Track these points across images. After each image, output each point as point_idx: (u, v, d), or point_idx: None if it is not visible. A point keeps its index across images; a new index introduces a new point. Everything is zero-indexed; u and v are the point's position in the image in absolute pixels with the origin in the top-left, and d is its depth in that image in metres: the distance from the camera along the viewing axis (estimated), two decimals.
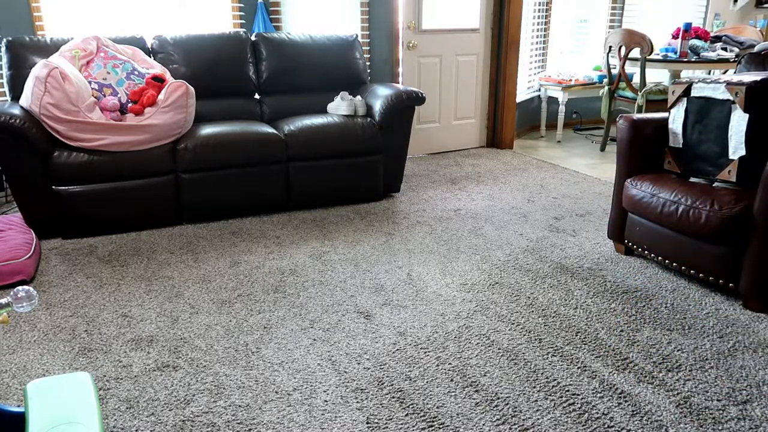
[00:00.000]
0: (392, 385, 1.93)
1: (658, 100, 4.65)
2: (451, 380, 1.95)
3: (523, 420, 1.76)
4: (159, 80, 3.41)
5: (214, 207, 3.44)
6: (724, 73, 5.11)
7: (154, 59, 3.72)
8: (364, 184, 3.77)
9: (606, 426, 1.74)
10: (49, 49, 3.45)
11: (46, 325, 2.30)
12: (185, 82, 3.35)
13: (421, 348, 2.14)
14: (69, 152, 3.09)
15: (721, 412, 1.79)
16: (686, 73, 5.40)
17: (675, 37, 5.17)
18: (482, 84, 5.24)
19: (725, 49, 5.21)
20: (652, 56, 4.92)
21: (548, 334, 2.23)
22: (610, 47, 5.06)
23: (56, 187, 3.09)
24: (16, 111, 2.99)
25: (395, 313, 2.39)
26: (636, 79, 5.03)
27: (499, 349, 2.13)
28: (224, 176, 3.40)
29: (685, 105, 2.66)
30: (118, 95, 3.35)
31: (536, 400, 1.85)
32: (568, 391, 1.90)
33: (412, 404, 1.84)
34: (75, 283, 2.67)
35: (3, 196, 3.78)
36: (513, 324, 2.30)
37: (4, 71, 3.43)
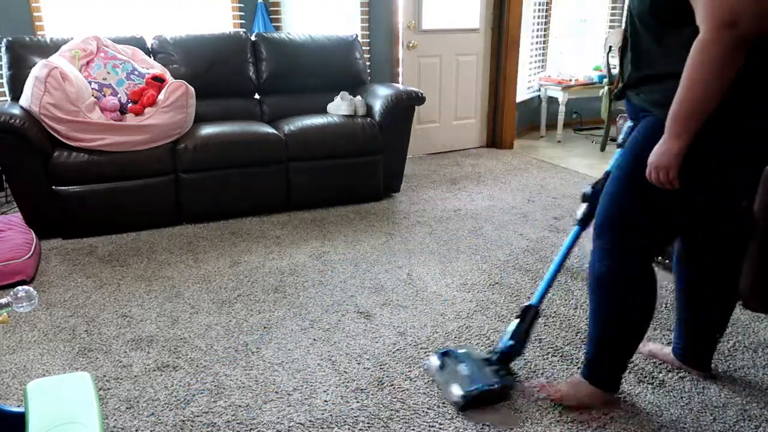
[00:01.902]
0: (392, 385, 1.93)
1: None
2: None
3: (523, 420, 1.76)
4: (159, 80, 3.41)
5: (214, 207, 3.44)
6: None
7: (154, 59, 3.72)
8: (364, 184, 3.77)
9: (606, 426, 1.74)
10: (49, 49, 3.45)
11: (46, 325, 2.30)
12: (185, 82, 3.35)
13: (421, 348, 2.14)
14: (69, 152, 3.09)
15: (720, 411, 1.80)
16: None
17: None
18: (482, 84, 5.23)
19: None
20: None
21: (548, 334, 2.23)
22: (610, 47, 5.06)
23: (56, 187, 3.09)
24: (16, 111, 2.99)
25: (395, 313, 2.39)
26: None
27: None
28: (224, 176, 3.40)
29: None
30: (118, 95, 3.35)
31: (536, 400, 1.85)
32: None
33: (412, 404, 1.84)
34: (75, 283, 2.67)
35: (3, 196, 3.78)
36: None
37: (4, 71, 3.43)
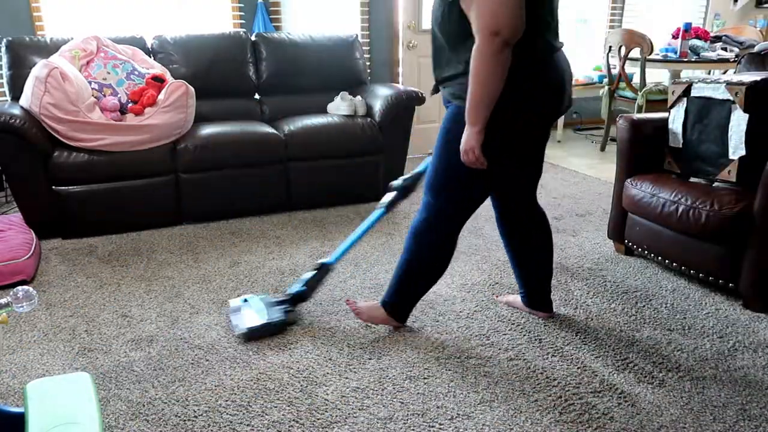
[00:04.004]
0: (393, 385, 1.93)
1: (658, 100, 4.65)
2: (452, 380, 1.95)
3: (523, 420, 1.76)
4: (159, 80, 3.41)
5: (214, 207, 3.44)
6: (724, 73, 5.11)
7: (154, 59, 3.72)
8: (364, 184, 3.76)
9: (606, 426, 1.74)
10: (49, 49, 3.45)
11: (46, 325, 2.30)
12: (185, 82, 3.35)
13: (421, 348, 2.14)
14: (69, 152, 3.09)
15: (720, 411, 1.80)
16: (686, 73, 5.40)
17: (675, 37, 5.17)
18: None
19: (725, 49, 5.21)
20: (652, 56, 4.92)
21: (548, 334, 2.23)
22: (610, 47, 5.06)
23: (56, 187, 3.09)
24: (16, 111, 2.99)
25: None
26: (636, 79, 5.03)
27: (499, 349, 2.13)
28: (224, 176, 3.39)
29: (685, 105, 2.66)
30: (118, 95, 3.35)
31: (536, 400, 1.85)
32: (568, 391, 1.90)
33: (412, 404, 1.84)
34: (75, 283, 2.67)
35: (3, 196, 3.78)
36: (513, 324, 2.30)
37: (4, 71, 3.43)
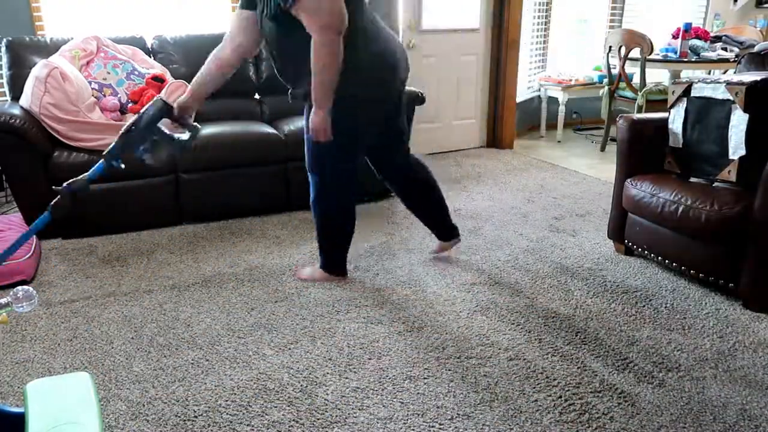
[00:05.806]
0: (393, 385, 1.93)
1: (658, 100, 4.64)
2: (451, 380, 1.95)
3: (523, 420, 1.76)
4: (159, 80, 3.41)
5: (214, 207, 3.44)
6: (724, 73, 5.11)
7: (154, 59, 3.72)
8: (365, 184, 3.75)
9: (606, 426, 1.74)
10: (49, 49, 3.45)
11: (46, 325, 2.30)
12: (185, 82, 3.34)
13: (421, 348, 2.14)
14: (69, 152, 3.09)
15: (720, 411, 1.80)
16: (686, 73, 5.40)
17: (675, 37, 5.17)
18: (482, 84, 5.23)
19: (725, 49, 5.21)
20: (652, 56, 4.92)
21: (548, 334, 2.23)
22: (610, 47, 5.06)
23: (56, 187, 3.08)
24: (16, 111, 2.98)
25: (395, 313, 2.39)
26: (636, 79, 5.03)
27: (499, 349, 2.13)
28: (224, 176, 3.39)
29: (685, 105, 2.66)
30: (118, 95, 3.35)
31: (536, 400, 1.85)
32: (568, 391, 1.90)
33: (412, 404, 1.84)
34: (75, 283, 2.67)
35: (3, 196, 3.78)
36: (513, 324, 2.30)
37: (4, 71, 3.43)
